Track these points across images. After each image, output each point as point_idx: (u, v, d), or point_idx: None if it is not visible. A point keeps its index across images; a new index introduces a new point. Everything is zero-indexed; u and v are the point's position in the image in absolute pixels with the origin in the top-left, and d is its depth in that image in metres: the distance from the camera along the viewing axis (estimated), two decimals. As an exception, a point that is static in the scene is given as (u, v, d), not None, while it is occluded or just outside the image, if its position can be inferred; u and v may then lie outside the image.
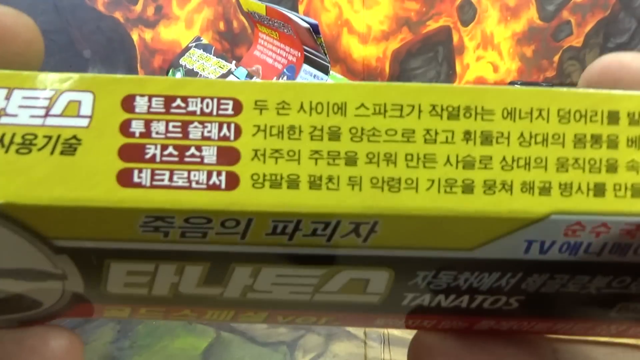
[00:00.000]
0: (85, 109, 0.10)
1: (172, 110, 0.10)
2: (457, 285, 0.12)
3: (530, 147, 0.11)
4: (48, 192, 0.10)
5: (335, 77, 0.60)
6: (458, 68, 0.69)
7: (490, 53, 0.70)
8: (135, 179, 0.10)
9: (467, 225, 0.11)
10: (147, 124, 0.10)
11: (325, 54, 0.56)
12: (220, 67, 0.58)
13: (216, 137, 0.10)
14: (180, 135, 0.10)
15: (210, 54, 0.59)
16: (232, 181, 0.10)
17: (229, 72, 0.57)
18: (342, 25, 0.69)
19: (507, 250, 0.11)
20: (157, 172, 0.10)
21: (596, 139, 0.11)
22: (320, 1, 0.68)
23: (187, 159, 0.10)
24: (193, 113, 0.10)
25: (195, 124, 0.10)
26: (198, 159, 0.10)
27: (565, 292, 0.12)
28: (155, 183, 0.10)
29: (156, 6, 0.66)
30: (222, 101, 0.11)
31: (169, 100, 0.10)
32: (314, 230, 0.11)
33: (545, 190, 0.11)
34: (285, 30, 0.56)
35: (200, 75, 0.57)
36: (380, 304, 0.13)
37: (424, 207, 0.11)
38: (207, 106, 0.11)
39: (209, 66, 0.58)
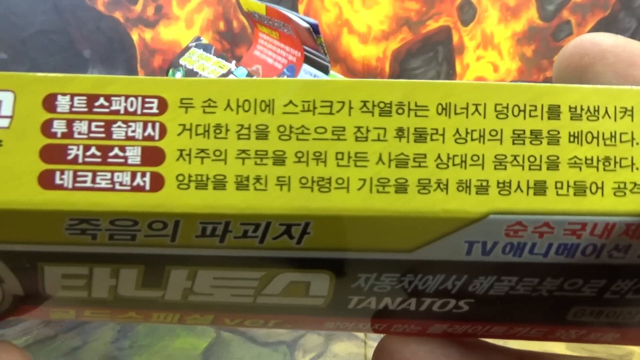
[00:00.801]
0: (6, 109, 0.10)
1: (95, 110, 0.10)
2: (402, 288, 0.12)
3: (467, 144, 0.10)
4: None
5: (336, 76, 0.60)
6: (458, 68, 0.69)
7: (490, 53, 0.70)
8: (57, 181, 0.10)
9: (402, 226, 0.10)
10: (69, 123, 0.10)
11: (326, 54, 0.55)
12: (220, 67, 0.58)
13: (140, 137, 0.10)
14: (103, 135, 0.10)
15: (210, 53, 0.59)
16: (157, 182, 0.10)
17: (229, 72, 0.57)
18: (342, 25, 0.68)
19: (448, 251, 0.11)
20: (79, 173, 0.10)
21: (536, 135, 0.10)
22: (320, 1, 0.68)
23: (110, 160, 0.10)
24: (117, 112, 0.10)
25: (119, 123, 0.10)
26: (122, 160, 0.10)
27: (516, 295, 0.12)
28: (77, 185, 0.10)
29: (156, 6, 0.66)
30: (147, 99, 0.10)
31: (91, 99, 0.10)
32: (244, 232, 0.10)
33: (483, 189, 0.10)
34: (285, 30, 0.56)
35: (200, 75, 0.57)
36: (327, 307, 0.12)
37: (356, 207, 0.10)
38: (132, 105, 0.10)
39: (209, 66, 0.58)
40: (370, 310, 0.12)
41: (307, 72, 0.56)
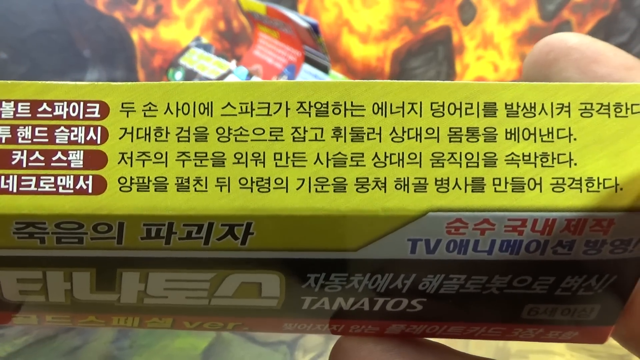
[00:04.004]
0: None
1: (39, 115, 0.10)
2: (353, 288, 0.12)
3: (403, 143, 0.11)
4: None
5: (336, 76, 0.60)
6: (458, 68, 0.69)
7: (490, 52, 0.70)
8: (2, 185, 0.10)
9: (343, 225, 0.11)
10: (14, 129, 0.10)
11: (326, 54, 0.55)
12: (220, 66, 0.58)
13: (83, 141, 0.10)
14: (46, 140, 0.10)
15: (210, 53, 0.59)
16: (99, 185, 0.10)
17: (229, 72, 0.57)
18: (342, 25, 0.69)
19: (392, 250, 0.11)
20: (23, 177, 0.10)
21: (472, 132, 0.11)
22: (320, 1, 0.68)
23: (53, 164, 0.10)
24: (59, 117, 0.11)
25: (62, 128, 0.10)
26: (65, 164, 0.10)
27: (467, 293, 0.12)
28: (22, 189, 0.10)
29: (156, 6, 0.66)
30: (89, 104, 0.11)
31: (35, 104, 0.10)
32: (188, 233, 0.11)
33: (421, 186, 0.10)
34: (285, 30, 0.56)
35: (200, 75, 0.57)
36: (281, 308, 0.12)
37: (295, 207, 0.10)
38: (74, 110, 0.11)
39: (209, 66, 0.58)
40: (325, 311, 0.12)
41: (307, 72, 0.56)
